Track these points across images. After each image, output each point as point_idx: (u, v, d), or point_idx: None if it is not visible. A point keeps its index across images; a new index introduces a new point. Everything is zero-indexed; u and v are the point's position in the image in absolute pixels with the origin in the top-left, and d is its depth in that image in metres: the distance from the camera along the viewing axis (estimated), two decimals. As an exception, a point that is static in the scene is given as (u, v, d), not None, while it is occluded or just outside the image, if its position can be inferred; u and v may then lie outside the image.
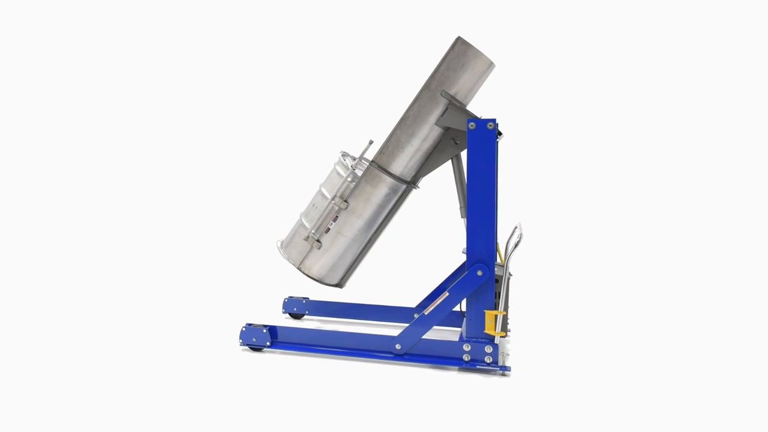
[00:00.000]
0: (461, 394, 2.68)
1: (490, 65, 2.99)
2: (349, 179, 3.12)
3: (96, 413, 2.46)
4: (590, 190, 5.90)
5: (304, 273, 3.26)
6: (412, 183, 3.19)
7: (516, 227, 3.36)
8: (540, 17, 6.04)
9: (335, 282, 3.36)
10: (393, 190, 3.13)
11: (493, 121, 2.83)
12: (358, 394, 2.69)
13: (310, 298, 3.86)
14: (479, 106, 3.57)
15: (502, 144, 3.43)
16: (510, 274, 3.22)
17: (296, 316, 3.88)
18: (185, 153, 6.46)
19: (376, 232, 3.29)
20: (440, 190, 3.80)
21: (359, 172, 3.18)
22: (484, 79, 3.08)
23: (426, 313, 3.01)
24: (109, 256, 5.30)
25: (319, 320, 3.85)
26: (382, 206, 3.15)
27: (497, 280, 2.98)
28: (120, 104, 6.54)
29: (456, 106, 2.93)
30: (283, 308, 3.87)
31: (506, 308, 2.99)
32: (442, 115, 2.96)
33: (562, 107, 6.00)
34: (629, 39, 5.87)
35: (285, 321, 3.81)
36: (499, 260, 3.37)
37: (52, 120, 6.53)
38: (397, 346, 3.05)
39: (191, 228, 6.01)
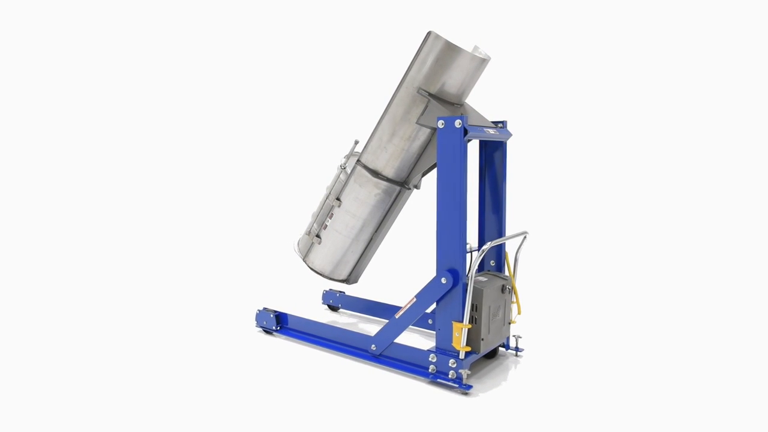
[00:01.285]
0: (411, 409, 2.55)
1: (479, 60, 2.75)
2: (341, 177, 3.20)
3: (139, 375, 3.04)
4: (598, 193, 6.06)
5: (308, 266, 3.44)
6: (404, 184, 3.12)
7: (524, 236, 3.04)
8: (559, 18, 6.16)
9: (342, 278, 3.47)
10: (384, 191, 3.10)
11: (462, 119, 2.62)
12: (322, 390, 2.74)
13: (345, 293, 4.01)
14: (489, 106, 3.33)
15: (511, 143, 3.13)
16: (506, 287, 2.94)
17: (333, 308, 4.07)
18: (236, 157, 7.02)
19: (377, 231, 3.29)
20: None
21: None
22: (477, 75, 2.86)
23: (396, 317, 2.94)
24: (171, 253, 5.70)
25: (350, 314, 3.98)
26: (375, 206, 3.15)
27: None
28: (158, 112, 7.05)
29: (438, 103, 2.77)
30: (322, 299, 4.10)
31: (473, 320, 2.75)
32: (422, 114, 2.84)
33: (575, 107, 6.15)
34: (645, 39, 5.97)
35: (323, 312, 4.03)
36: (507, 272, 3.10)
37: (74, 123, 6.91)
38: (373, 347, 3.04)
39: (258, 223, 6.48)
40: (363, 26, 6.56)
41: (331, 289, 4.07)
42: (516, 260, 3.07)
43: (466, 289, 2.72)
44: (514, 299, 3.08)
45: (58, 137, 6.85)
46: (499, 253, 3.12)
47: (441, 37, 2.68)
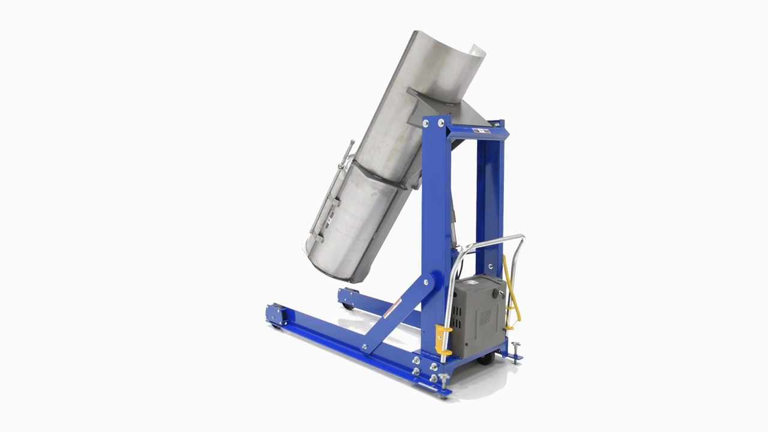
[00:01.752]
0: (384, 411, 2.53)
1: (469, 58, 2.68)
2: (340, 177, 3.23)
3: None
4: (602, 196, 6.10)
5: (313, 264, 3.51)
6: (400, 184, 3.10)
7: (521, 239, 2.93)
8: (567, 16, 6.21)
9: (346, 276, 3.50)
10: (381, 191, 3.10)
11: (446, 118, 2.57)
12: (306, 388, 2.78)
13: (359, 292, 4.04)
14: (497, 104, 3.24)
15: (509, 142, 3.03)
16: (498, 291, 2.85)
17: (347, 307, 4.12)
18: (261, 157, 7.00)
19: (377, 231, 3.30)
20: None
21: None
22: (471, 73, 2.79)
23: (384, 317, 2.93)
24: (183, 250, 5.78)
25: (363, 313, 4.01)
26: (372, 206, 3.15)
27: (454, 293, 2.70)
28: (168, 114, 7.02)
29: (428, 103, 2.74)
30: (338, 297, 4.16)
31: (456, 324, 2.68)
32: (412, 114, 2.81)
33: (584, 107, 6.22)
34: (649, 40, 6.06)
35: (339, 310, 4.09)
36: (504, 276, 3.00)
37: (76, 126, 6.80)
38: (364, 346, 3.04)
39: (289, 222, 6.38)
40: (369, 21, 6.54)
41: (346, 288, 4.11)
42: (513, 264, 2.97)
43: (455, 293, 2.67)
44: (511, 305, 2.97)
45: (74, 140, 6.81)
46: (497, 256, 3.02)
47: (428, 36, 2.64)
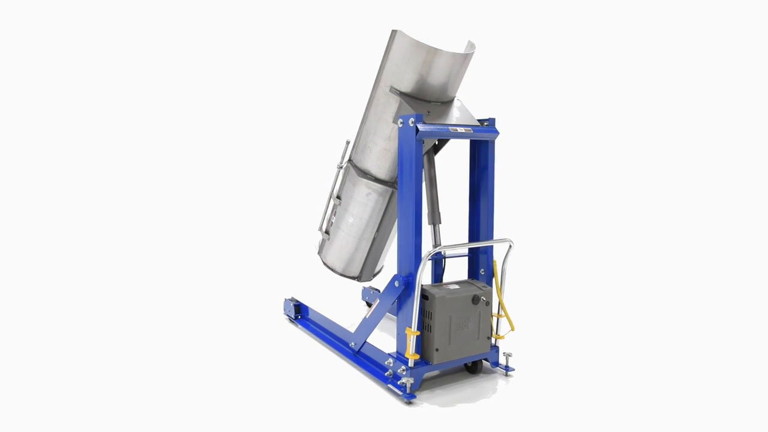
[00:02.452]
0: (346, 410, 2.54)
1: (450, 56, 2.59)
2: (339, 176, 3.28)
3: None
4: (605, 199, 6.00)
5: (322, 261, 3.60)
6: (394, 184, 3.07)
7: (509, 246, 2.79)
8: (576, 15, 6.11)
9: (353, 275, 3.54)
10: (376, 191, 3.10)
11: (417, 117, 2.52)
12: (290, 385, 2.84)
13: (381, 292, 4.05)
14: (498, 103, 3.11)
15: (500, 142, 2.89)
16: (479, 297, 2.73)
17: (369, 305, 4.14)
18: (267, 155, 6.83)
19: (378, 231, 3.30)
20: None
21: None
22: (458, 70, 2.70)
23: (367, 317, 2.93)
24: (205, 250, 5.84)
25: (381, 313, 4.01)
26: (370, 206, 3.16)
27: (426, 297, 2.63)
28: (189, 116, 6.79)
29: (410, 101, 2.70)
30: (362, 296, 4.21)
31: (423, 327, 2.61)
32: (396, 113, 2.79)
33: (592, 107, 6.11)
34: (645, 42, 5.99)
35: (361, 307, 4.14)
36: (494, 283, 2.88)
37: (86, 129, 6.55)
38: (352, 344, 3.07)
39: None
40: (375, 17, 6.40)
41: (370, 287, 4.15)
42: (503, 271, 2.82)
43: (425, 296, 2.62)
44: (501, 313, 2.83)
45: (98, 144, 6.63)
46: (488, 261, 2.89)
47: (406, 34, 2.61)
